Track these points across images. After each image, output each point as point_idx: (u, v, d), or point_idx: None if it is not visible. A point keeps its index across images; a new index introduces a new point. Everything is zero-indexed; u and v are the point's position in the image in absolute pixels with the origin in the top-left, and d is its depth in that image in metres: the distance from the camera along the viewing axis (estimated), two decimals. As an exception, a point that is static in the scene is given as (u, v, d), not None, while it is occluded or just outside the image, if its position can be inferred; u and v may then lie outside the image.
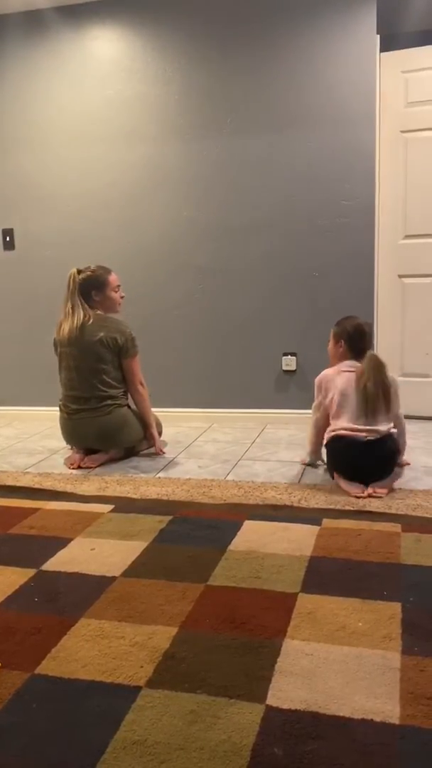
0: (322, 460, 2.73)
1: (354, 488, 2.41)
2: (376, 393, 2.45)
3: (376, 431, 2.43)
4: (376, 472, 2.45)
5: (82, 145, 3.73)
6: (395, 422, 2.53)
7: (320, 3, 3.30)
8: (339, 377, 2.54)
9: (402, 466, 2.70)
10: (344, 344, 2.58)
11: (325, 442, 2.57)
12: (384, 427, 2.46)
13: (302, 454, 2.90)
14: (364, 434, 2.43)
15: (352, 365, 2.54)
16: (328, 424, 2.58)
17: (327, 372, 2.61)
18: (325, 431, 2.59)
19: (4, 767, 1.10)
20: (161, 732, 1.17)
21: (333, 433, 2.50)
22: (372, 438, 2.43)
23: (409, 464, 2.75)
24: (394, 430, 2.50)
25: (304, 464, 2.80)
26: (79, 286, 2.91)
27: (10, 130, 3.83)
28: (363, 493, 2.37)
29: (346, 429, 2.46)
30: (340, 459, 2.50)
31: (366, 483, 2.43)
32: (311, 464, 2.78)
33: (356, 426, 2.45)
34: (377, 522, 2.11)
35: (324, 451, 2.63)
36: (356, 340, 2.56)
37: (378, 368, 2.49)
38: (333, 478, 2.54)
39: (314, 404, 2.65)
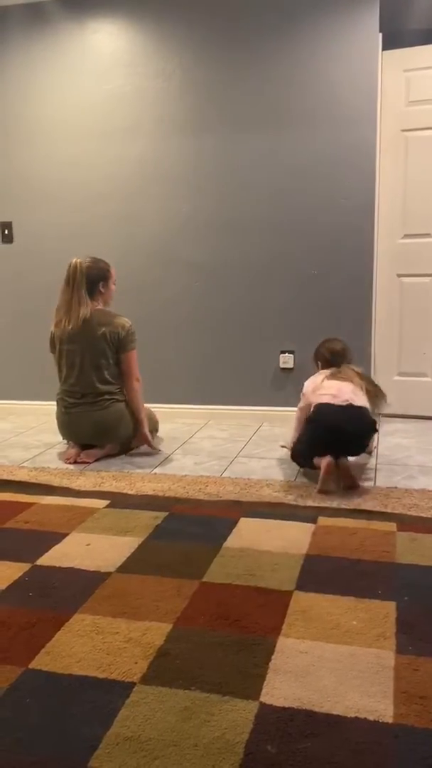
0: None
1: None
2: (350, 372, 2.75)
3: (352, 402, 2.60)
4: (353, 437, 2.54)
5: (81, 139, 3.71)
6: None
7: (323, 0, 3.29)
8: (318, 375, 2.82)
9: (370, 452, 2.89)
10: (320, 365, 2.90)
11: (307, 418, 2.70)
12: (359, 403, 2.60)
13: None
14: (341, 402, 2.59)
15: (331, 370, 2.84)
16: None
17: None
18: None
19: (-3, 762, 1.10)
20: (154, 728, 1.17)
21: (313, 405, 2.66)
22: (349, 404, 2.59)
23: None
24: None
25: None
26: (87, 277, 2.88)
27: (10, 123, 3.81)
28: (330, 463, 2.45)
29: (324, 400, 2.63)
30: (318, 425, 2.56)
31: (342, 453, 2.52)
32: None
33: (335, 396, 2.63)
34: (373, 521, 2.11)
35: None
36: (330, 361, 2.87)
37: (353, 369, 2.80)
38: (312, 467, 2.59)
39: (300, 404, 2.83)
